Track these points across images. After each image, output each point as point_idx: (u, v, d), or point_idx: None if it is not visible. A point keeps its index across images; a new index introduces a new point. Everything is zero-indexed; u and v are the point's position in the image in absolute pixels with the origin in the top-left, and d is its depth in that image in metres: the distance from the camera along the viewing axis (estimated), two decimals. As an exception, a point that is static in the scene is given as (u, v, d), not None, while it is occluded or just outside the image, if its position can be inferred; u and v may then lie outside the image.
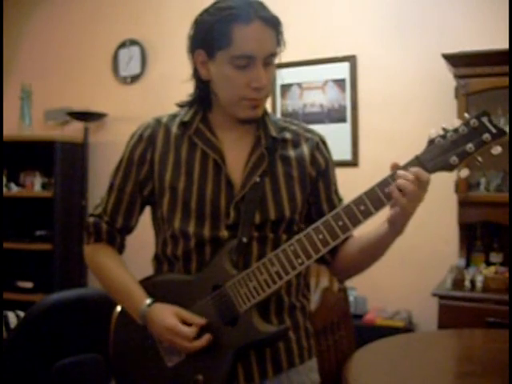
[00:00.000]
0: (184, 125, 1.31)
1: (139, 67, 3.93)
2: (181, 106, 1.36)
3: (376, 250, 1.26)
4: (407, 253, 3.02)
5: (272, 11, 1.22)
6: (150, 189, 1.32)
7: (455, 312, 2.57)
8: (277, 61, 1.25)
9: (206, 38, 1.21)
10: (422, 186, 1.11)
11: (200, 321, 1.20)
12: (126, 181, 1.33)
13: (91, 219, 1.36)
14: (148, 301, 1.25)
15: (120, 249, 1.39)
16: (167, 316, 1.21)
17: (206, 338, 1.19)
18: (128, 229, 1.37)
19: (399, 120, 3.24)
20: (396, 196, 1.11)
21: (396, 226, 1.17)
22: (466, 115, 1.13)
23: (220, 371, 1.20)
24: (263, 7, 1.21)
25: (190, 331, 1.18)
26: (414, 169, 1.11)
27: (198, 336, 1.19)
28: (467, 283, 2.67)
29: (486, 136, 1.10)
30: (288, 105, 3.50)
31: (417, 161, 1.13)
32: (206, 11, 1.22)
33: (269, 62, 1.22)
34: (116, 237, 1.36)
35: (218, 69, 1.22)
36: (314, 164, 1.33)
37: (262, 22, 1.18)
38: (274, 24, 1.20)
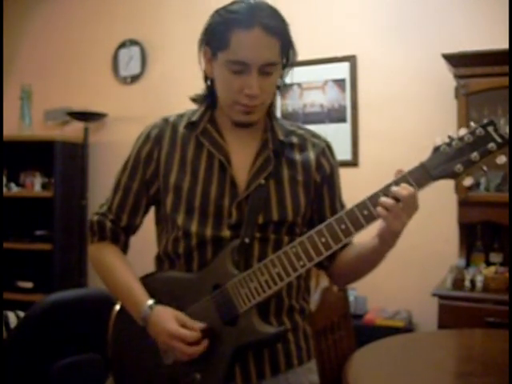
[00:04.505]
0: (192, 124, 1.31)
1: (139, 67, 3.93)
2: (194, 99, 1.36)
3: (370, 260, 1.26)
4: (407, 253, 3.01)
5: (280, 19, 1.20)
6: (155, 188, 1.32)
7: (455, 312, 2.57)
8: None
9: (211, 37, 1.23)
10: (405, 204, 1.10)
11: (200, 325, 1.20)
12: (133, 180, 1.34)
13: (95, 217, 1.36)
14: (149, 302, 1.24)
15: (124, 249, 1.38)
16: (168, 320, 1.20)
17: (205, 343, 1.19)
18: (132, 228, 1.37)
19: (399, 120, 3.23)
20: (379, 212, 1.11)
21: (385, 241, 1.17)
22: (472, 124, 1.13)
23: (218, 371, 1.20)
24: (270, 15, 1.19)
25: (190, 335, 1.18)
26: (398, 187, 1.11)
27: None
28: (467, 283, 2.67)
29: (492, 145, 1.09)
30: (288, 105, 3.50)
31: (422, 168, 1.13)
32: (217, 11, 1.23)
33: (267, 70, 1.20)
34: (120, 236, 1.36)
35: (218, 69, 1.23)
36: (319, 169, 1.33)
37: (262, 30, 1.16)
38: (277, 33, 1.19)
